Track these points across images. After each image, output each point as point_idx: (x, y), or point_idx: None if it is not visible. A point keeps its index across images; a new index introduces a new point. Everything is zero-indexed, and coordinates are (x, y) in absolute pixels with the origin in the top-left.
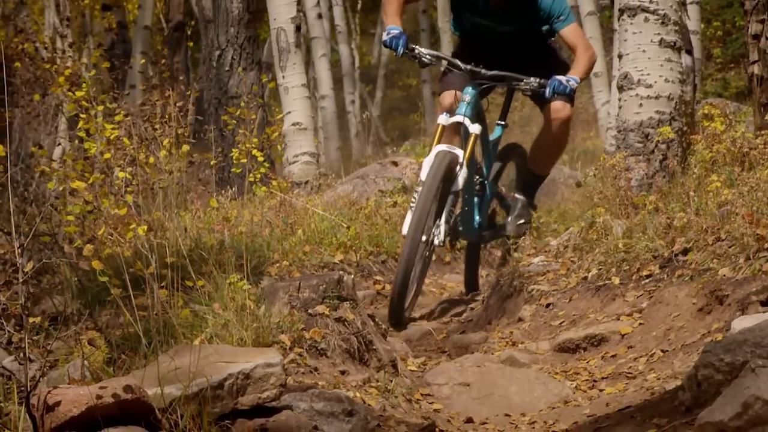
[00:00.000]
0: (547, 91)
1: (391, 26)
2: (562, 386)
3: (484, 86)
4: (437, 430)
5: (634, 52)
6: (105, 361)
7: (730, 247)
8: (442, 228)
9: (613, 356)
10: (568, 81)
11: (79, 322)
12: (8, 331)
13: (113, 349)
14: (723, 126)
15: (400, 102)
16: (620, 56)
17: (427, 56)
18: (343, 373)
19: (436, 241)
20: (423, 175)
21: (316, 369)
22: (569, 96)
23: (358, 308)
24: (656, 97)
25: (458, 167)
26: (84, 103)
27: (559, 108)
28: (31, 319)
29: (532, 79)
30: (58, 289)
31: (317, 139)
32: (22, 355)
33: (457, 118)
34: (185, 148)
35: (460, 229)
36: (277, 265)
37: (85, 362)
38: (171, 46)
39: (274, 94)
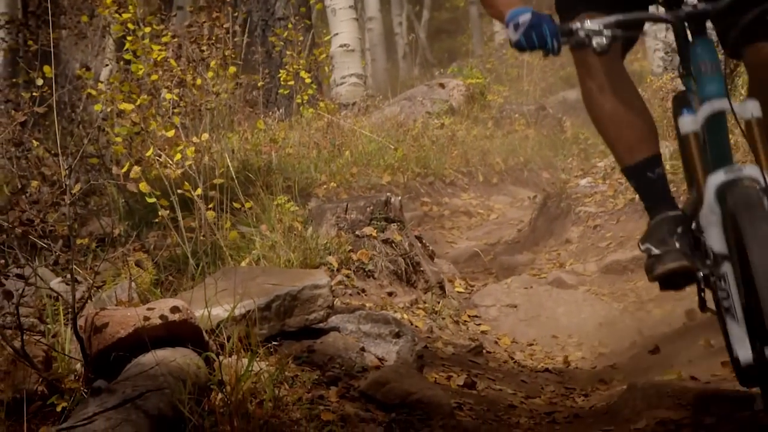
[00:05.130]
0: None
1: (516, 10)
2: (610, 308)
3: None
4: (484, 351)
5: None
6: (152, 282)
7: None
8: None
9: None
10: None
11: (126, 243)
12: (55, 252)
13: (160, 271)
14: None
15: (448, 23)
16: None
17: (609, 28)
18: (390, 294)
19: None
20: (718, 245)
21: (363, 290)
22: None
23: (406, 230)
24: None
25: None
26: (131, 24)
27: None
28: (78, 241)
29: None
30: (105, 210)
31: (364, 61)
32: (69, 276)
33: (716, 104)
34: (232, 69)
35: None
36: (325, 186)
37: (133, 284)
38: None
39: (321, 16)
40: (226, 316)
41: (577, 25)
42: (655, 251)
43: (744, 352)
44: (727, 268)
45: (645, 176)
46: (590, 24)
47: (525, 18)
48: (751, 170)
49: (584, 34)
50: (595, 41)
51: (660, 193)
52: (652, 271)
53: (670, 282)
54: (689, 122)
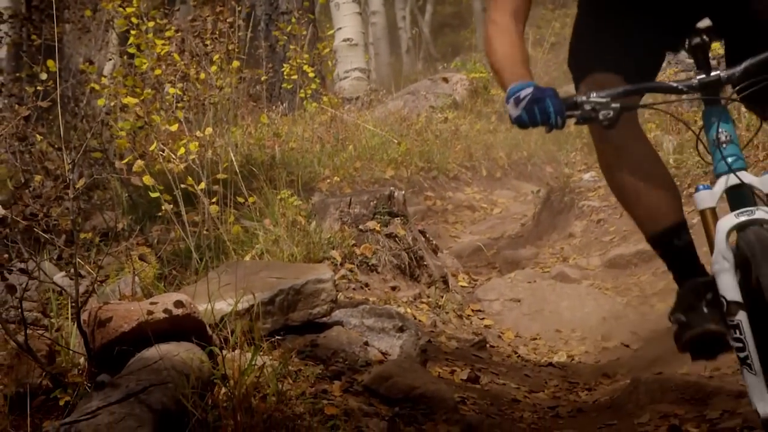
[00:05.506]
0: None
1: (517, 85)
2: (613, 302)
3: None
4: (488, 345)
5: None
6: (156, 276)
7: None
8: None
9: (663, 272)
10: None
11: (129, 237)
12: (59, 247)
13: (164, 265)
14: None
15: (451, 18)
16: None
17: (616, 100)
18: (394, 288)
19: None
20: (731, 293)
21: (366, 285)
22: None
23: (409, 224)
24: None
25: None
26: (134, 18)
27: None
28: (81, 235)
29: None
30: (108, 204)
31: (368, 55)
32: (72, 270)
33: (733, 178)
34: (236, 63)
35: None
36: (328, 180)
37: (136, 278)
38: None
39: (324, 10)
40: (229, 310)
41: (582, 98)
42: (684, 319)
43: (763, 406)
44: (741, 316)
45: (671, 245)
46: (596, 96)
47: (526, 92)
48: (764, 212)
49: (590, 107)
50: (602, 114)
51: (687, 261)
52: (680, 338)
53: (701, 348)
54: (706, 198)
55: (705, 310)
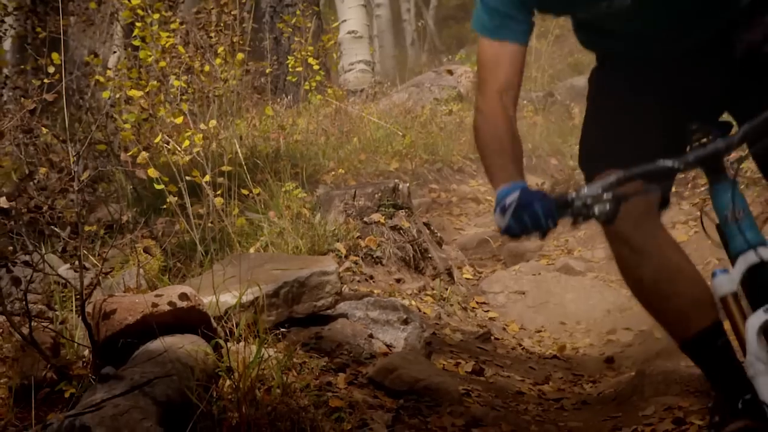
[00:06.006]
0: None
1: (504, 189)
2: (618, 294)
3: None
4: (492, 338)
5: None
6: (160, 269)
7: None
8: None
9: None
10: None
11: (134, 230)
12: (64, 239)
13: (168, 258)
14: None
15: (456, 10)
16: None
17: (608, 201)
18: (398, 281)
19: None
20: None
21: (371, 277)
22: None
23: (414, 216)
24: None
25: None
26: (139, 11)
27: None
28: (86, 227)
29: None
30: (113, 197)
31: (372, 47)
32: (77, 262)
33: (751, 257)
34: (240, 56)
35: None
36: (333, 173)
37: (141, 270)
38: None
39: (329, 2)
40: (234, 302)
41: (572, 194)
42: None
43: None
44: None
45: (706, 351)
46: (587, 190)
47: (512, 198)
48: None
49: (581, 203)
50: (598, 209)
51: (728, 368)
52: None
53: None
54: (724, 283)
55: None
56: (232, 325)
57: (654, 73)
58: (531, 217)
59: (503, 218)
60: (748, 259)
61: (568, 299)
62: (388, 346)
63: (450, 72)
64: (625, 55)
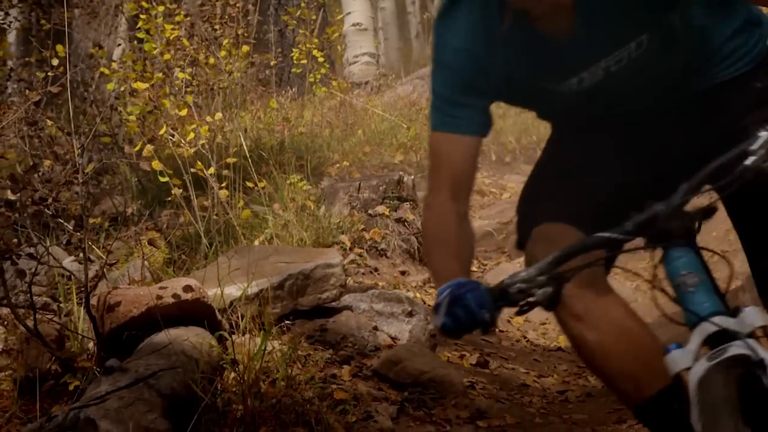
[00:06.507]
0: None
1: (442, 288)
2: (622, 286)
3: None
4: (497, 330)
5: None
6: (165, 261)
7: None
8: None
9: None
10: None
11: (139, 222)
12: (68, 231)
13: (173, 250)
14: None
15: None
16: None
17: (547, 284)
18: (403, 273)
19: None
20: None
21: (376, 269)
22: None
23: (419, 208)
24: None
25: None
26: (144, 3)
27: None
28: (91, 220)
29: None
30: (118, 189)
31: (377, 40)
32: (82, 255)
33: (707, 327)
34: (245, 48)
35: None
36: (337, 165)
37: (145, 263)
38: None
39: None
40: (238, 295)
41: (507, 281)
42: None
43: None
44: None
45: (661, 414)
46: (523, 275)
47: (444, 295)
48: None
49: (517, 290)
50: (539, 295)
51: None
52: None
53: None
54: (678, 359)
55: None
56: (237, 318)
57: (612, 136)
58: (465, 311)
59: (437, 318)
60: (704, 331)
61: None
62: (393, 338)
63: None
64: (584, 124)
